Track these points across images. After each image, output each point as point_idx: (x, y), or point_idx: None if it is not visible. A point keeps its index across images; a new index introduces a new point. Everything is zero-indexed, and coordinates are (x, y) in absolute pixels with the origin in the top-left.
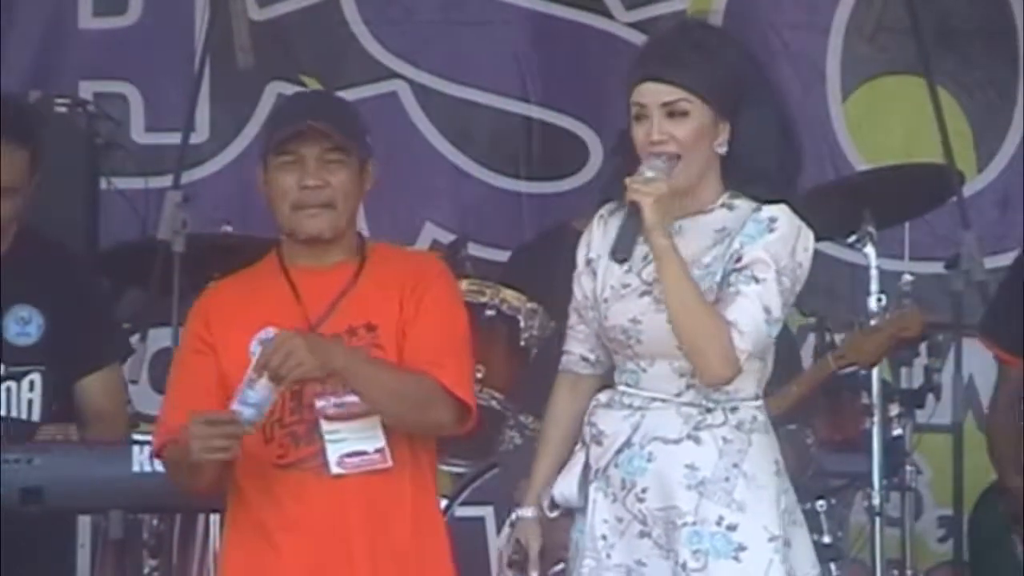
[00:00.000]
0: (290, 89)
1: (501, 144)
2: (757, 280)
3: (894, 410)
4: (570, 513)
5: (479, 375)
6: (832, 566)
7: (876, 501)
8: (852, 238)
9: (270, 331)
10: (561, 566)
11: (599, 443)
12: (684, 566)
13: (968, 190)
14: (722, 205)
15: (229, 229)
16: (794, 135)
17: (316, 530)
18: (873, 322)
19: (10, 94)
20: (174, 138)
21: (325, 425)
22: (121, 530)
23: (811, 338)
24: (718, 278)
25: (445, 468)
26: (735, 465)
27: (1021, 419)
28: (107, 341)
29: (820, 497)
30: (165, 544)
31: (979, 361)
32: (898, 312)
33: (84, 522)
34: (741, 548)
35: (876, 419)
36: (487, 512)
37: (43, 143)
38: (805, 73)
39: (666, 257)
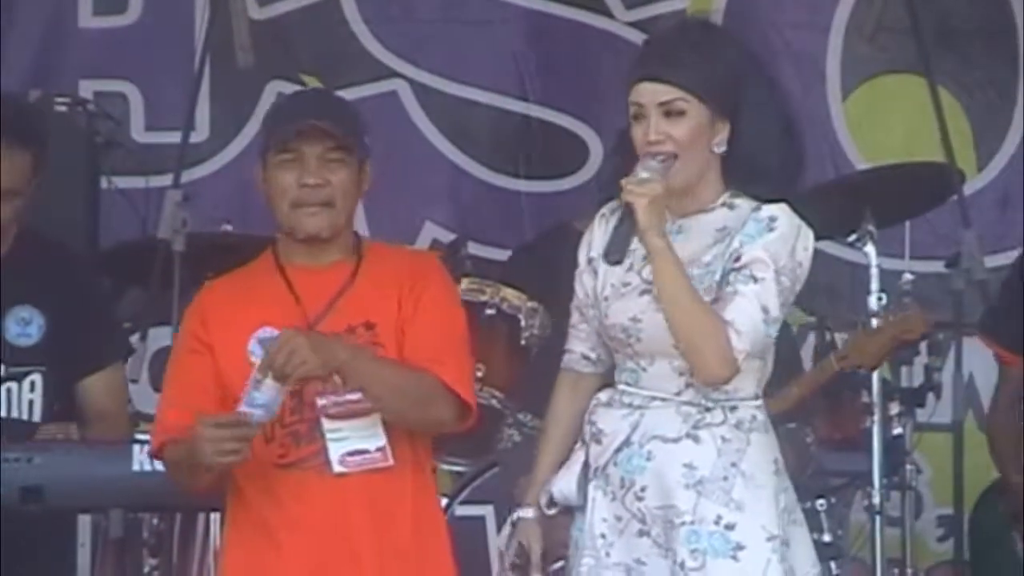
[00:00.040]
0: (290, 88)
1: (501, 143)
2: (756, 279)
3: (894, 409)
4: (570, 511)
5: (479, 374)
6: (832, 565)
7: (876, 500)
8: (852, 237)
9: (268, 330)
10: (561, 564)
11: (598, 441)
12: (682, 565)
13: (968, 189)
14: (723, 204)
15: (229, 228)
16: (796, 134)
17: (319, 529)
18: (874, 321)
19: (13, 95)
20: (174, 137)
21: (326, 424)
22: (121, 529)
23: (811, 337)
24: (718, 277)
25: (445, 467)
26: (734, 464)
27: (1021, 418)
28: (108, 341)
29: (820, 496)
30: (165, 543)
31: (979, 360)
32: (900, 314)
33: (84, 521)
34: (739, 547)
35: (876, 418)
36: (487, 511)
37: (46, 145)
38: (805, 72)
39: (661, 257)
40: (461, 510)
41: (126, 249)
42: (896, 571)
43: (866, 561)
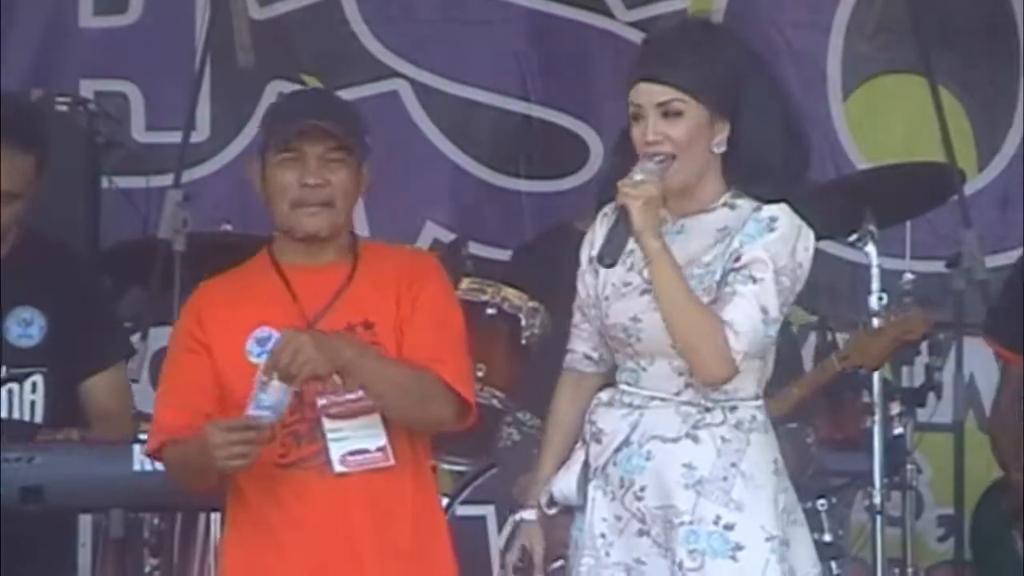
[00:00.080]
0: (291, 88)
1: (501, 143)
2: (755, 280)
3: (895, 409)
4: (571, 510)
5: (480, 373)
6: (833, 564)
7: (877, 500)
8: (853, 237)
9: (265, 330)
10: (560, 563)
11: (598, 441)
12: (681, 565)
13: (969, 189)
14: (724, 204)
15: (229, 228)
16: (800, 132)
17: (320, 529)
18: (875, 321)
19: (15, 96)
20: (175, 137)
21: (327, 423)
22: (122, 529)
23: (812, 337)
24: (718, 277)
25: (446, 467)
26: (733, 464)
27: (1022, 418)
28: (110, 341)
29: (821, 496)
30: (166, 543)
31: (980, 360)
32: (902, 315)
33: (85, 521)
34: (738, 547)
35: (877, 418)
36: (488, 511)
37: (47, 147)
38: (806, 72)
39: (658, 259)
40: (462, 510)
41: (127, 249)
42: (897, 571)
43: (867, 561)
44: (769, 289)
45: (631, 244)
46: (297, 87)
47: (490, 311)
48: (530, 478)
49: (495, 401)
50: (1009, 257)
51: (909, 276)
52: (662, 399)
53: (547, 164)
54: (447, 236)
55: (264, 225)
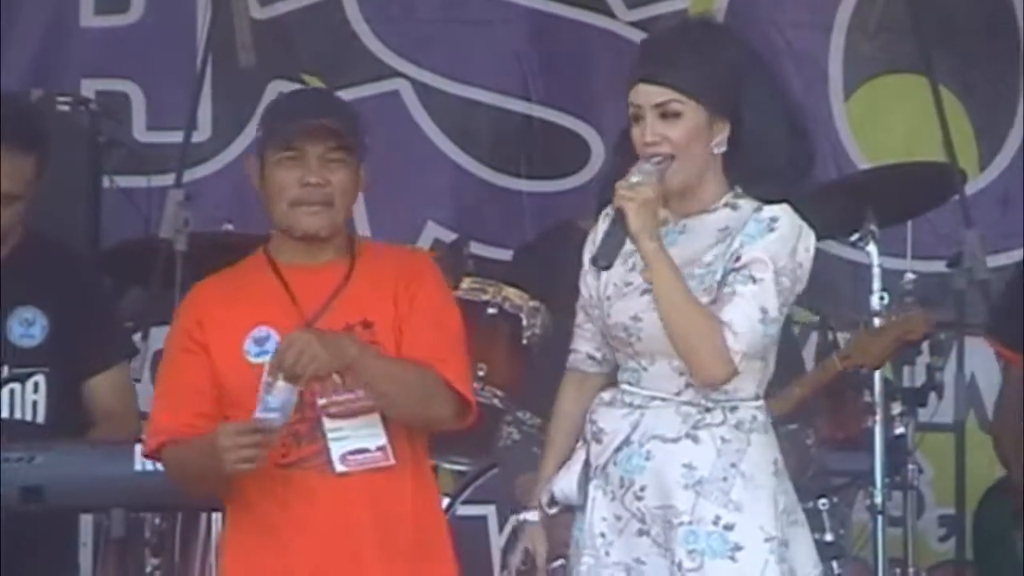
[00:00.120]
0: (292, 88)
1: (502, 143)
2: (754, 280)
3: (896, 409)
4: (572, 510)
5: (481, 373)
6: (834, 564)
7: (878, 500)
8: (854, 236)
9: (264, 329)
10: (561, 561)
11: (599, 441)
12: (680, 566)
13: (970, 188)
14: (726, 204)
15: (231, 227)
16: (804, 130)
17: (321, 529)
18: (876, 321)
19: (16, 97)
20: (176, 136)
21: (327, 423)
22: (123, 529)
23: (814, 337)
24: (718, 277)
25: (447, 466)
26: (733, 465)
27: (1022, 418)
28: (112, 341)
29: (822, 495)
30: (167, 543)
31: (981, 360)
32: (903, 314)
33: (86, 521)
34: (737, 548)
35: (878, 417)
36: (489, 511)
37: (48, 148)
38: (807, 72)
39: (655, 261)
40: (463, 510)
41: (128, 248)
42: (898, 571)
43: (868, 561)
44: (769, 289)
45: (626, 245)
46: (298, 87)
47: (491, 311)
48: (532, 478)
49: (496, 401)
50: (1010, 257)
51: (910, 276)
52: (663, 399)
53: (548, 164)
54: (448, 236)
55: (265, 225)
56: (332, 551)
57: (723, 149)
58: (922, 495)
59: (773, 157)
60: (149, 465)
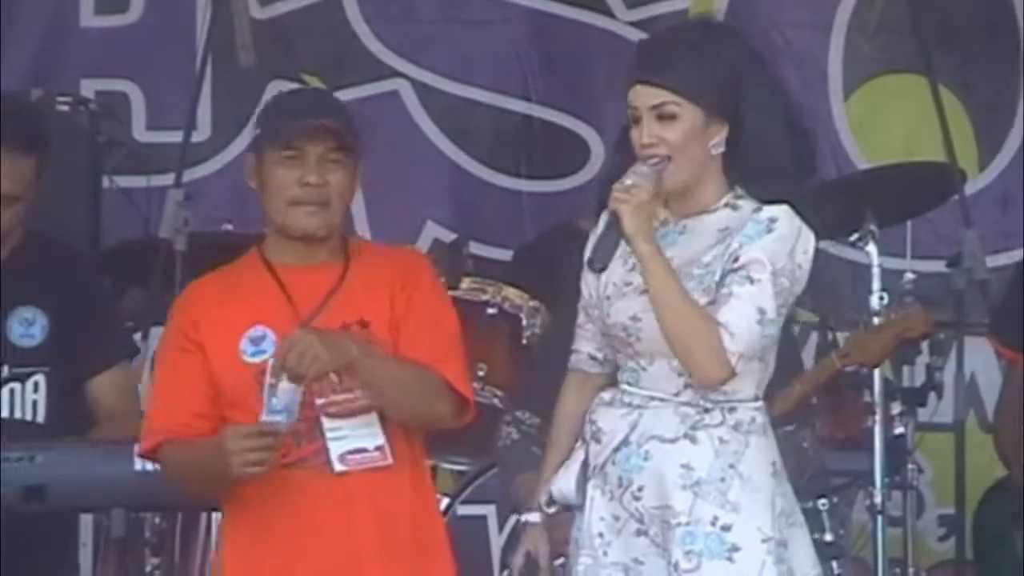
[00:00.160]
0: (291, 88)
1: (502, 143)
2: (752, 281)
3: (896, 408)
4: (572, 509)
5: (481, 373)
6: (834, 564)
7: (878, 499)
8: (854, 236)
9: (259, 329)
10: (561, 560)
11: (598, 440)
12: (676, 566)
13: (970, 188)
14: (726, 205)
15: (230, 227)
16: (804, 130)
17: (323, 529)
18: (876, 321)
19: (16, 97)
20: (176, 136)
21: (326, 422)
22: (123, 528)
23: (814, 337)
24: (717, 277)
25: (447, 467)
26: (731, 466)
27: (1021, 419)
28: (112, 341)
29: (822, 495)
30: (167, 542)
31: (981, 360)
32: (903, 312)
33: (86, 520)
34: (735, 549)
35: (878, 417)
36: (489, 510)
37: (48, 149)
38: (807, 72)
39: (650, 262)
40: (463, 509)
41: (128, 248)
42: (897, 571)
43: (867, 561)
44: (766, 290)
45: (622, 247)
46: (297, 86)
47: (491, 311)
48: (531, 478)
49: (496, 400)
50: (1010, 257)
51: (910, 276)
52: (661, 399)
53: (548, 164)
54: (448, 236)
55: (266, 225)
56: (333, 551)
57: (721, 150)
58: (922, 495)
59: (773, 157)
60: (149, 465)
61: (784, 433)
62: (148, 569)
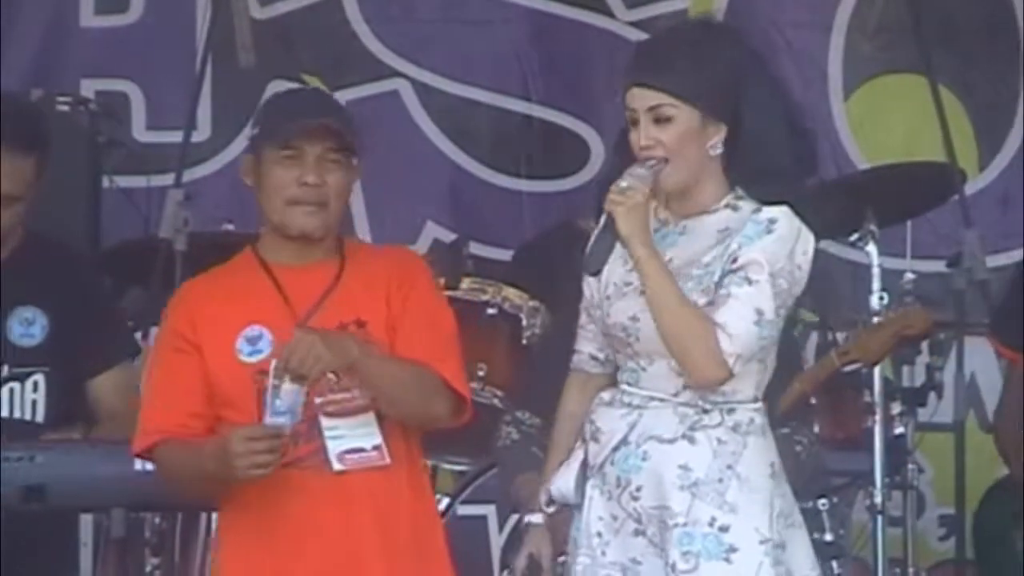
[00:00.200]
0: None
1: (502, 143)
2: (750, 282)
3: (896, 408)
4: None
5: (481, 373)
6: (834, 564)
7: (878, 499)
8: (854, 236)
9: (256, 328)
10: (562, 558)
11: (597, 440)
12: (674, 567)
13: (970, 188)
14: (726, 206)
15: (231, 227)
16: (804, 130)
17: (323, 529)
18: (876, 320)
19: (15, 97)
20: (176, 136)
21: (325, 421)
22: (123, 528)
23: (814, 336)
24: (716, 278)
25: (447, 467)
26: (729, 467)
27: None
28: (113, 341)
29: (822, 495)
30: (167, 542)
31: (981, 360)
32: (902, 310)
33: (86, 520)
34: (732, 549)
35: (878, 417)
36: (489, 510)
37: (48, 149)
38: (807, 72)
39: (646, 264)
40: (463, 509)
41: (128, 248)
42: (898, 571)
43: (867, 561)
44: (765, 291)
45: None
46: (296, 86)
47: (491, 311)
48: (531, 478)
49: (496, 401)
50: (1010, 257)
51: (910, 276)
52: (661, 400)
53: (548, 164)
54: (448, 236)
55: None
56: (333, 551)
57: (719, 151)
58: (922, 495)
59: (773, 157)
60: (150, 465)
61: (778, 435)
62: (148, 569)
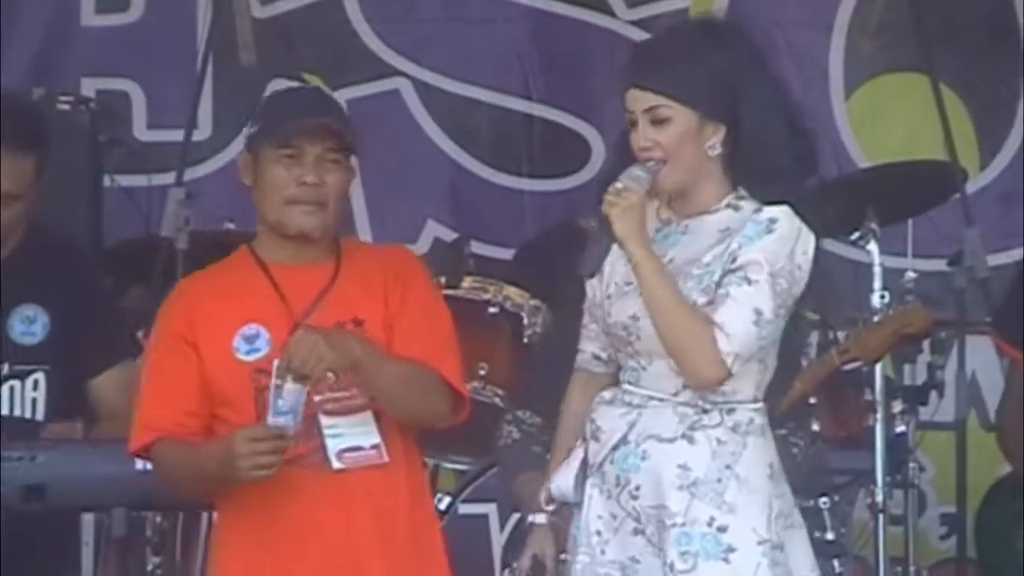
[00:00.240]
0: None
1: (503, 142)
2: (750, 282)
3: (897, 407)
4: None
5: (482, 372)
6: (835, 563)
7: (879, 498)
8: (855, 235)
9: (253, 327)
10: (563, 556)
11: (597, 439)
12: (672, 567)
13: (971, 187)
14: (728, 205)
15: (232, 226)
16: (805, 130)
17: (323, 528)
18: (876, 319)
19: (16, 96)
20: (177, 135)
21: (324, 420)
22: (124, 528)
23: (814, 336)
24: (716, 277)
25: (448, 466)
26: (728, 467)
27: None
28: (114, 339)
29: (823, 494)
30: (168, 542)
31: (982, 358)
32: (902, 308)
33: (87, 520)
34: (730, 550)
35: (879, 416)
36: (490, 509)
37: (48, 148)
38: (808, 71)
39: (642, 265)
40: (464, 508)
41: (129, 247)
42: (899, 569)
43: (869, 559)
44: (764, 291)
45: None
46: (295, 85)
47: (492, 310)
48: (532, 477)
49: (497, 400)
50: (1011, 256)
51: (911, 274)
52: (661, 399)
53: (549, 163)
54: (449, 235)
55: None
56: (333, 550)
57: (718, 151)
58: (923, 493)
59: (774, 157)
60: (150, 464)
61: (776, 437)
62: (149, 568)
